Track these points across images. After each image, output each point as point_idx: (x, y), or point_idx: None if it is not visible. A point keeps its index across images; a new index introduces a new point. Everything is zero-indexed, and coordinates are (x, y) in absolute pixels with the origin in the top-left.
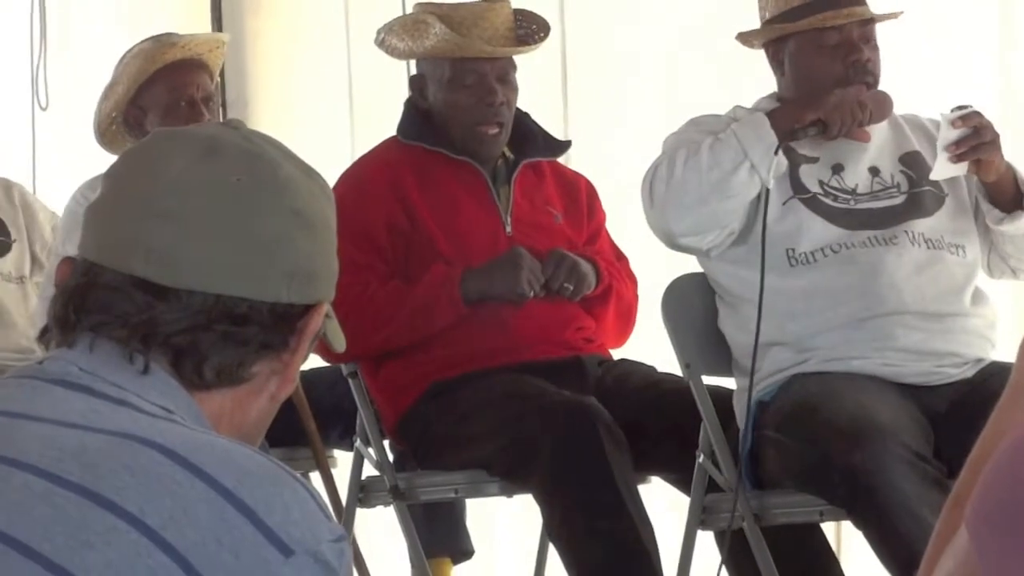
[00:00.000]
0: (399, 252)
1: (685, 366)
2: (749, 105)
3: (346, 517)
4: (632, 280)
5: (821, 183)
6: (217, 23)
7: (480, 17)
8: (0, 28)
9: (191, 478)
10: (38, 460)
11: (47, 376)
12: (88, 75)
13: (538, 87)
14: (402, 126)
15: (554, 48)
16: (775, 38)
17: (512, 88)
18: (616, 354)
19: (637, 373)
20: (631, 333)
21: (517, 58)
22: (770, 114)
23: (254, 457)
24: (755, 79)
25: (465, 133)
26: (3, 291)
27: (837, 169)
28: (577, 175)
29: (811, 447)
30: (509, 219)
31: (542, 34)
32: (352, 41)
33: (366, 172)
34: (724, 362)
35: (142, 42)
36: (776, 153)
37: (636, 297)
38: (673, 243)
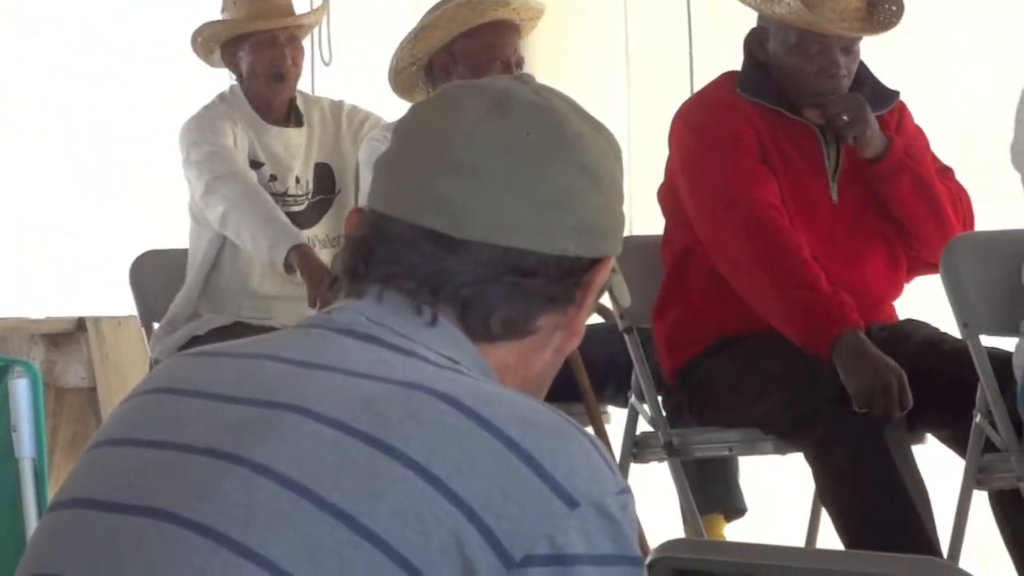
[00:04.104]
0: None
1: (963, 325)
2: None
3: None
4: (959, 188)
5: None
6: None
7: None
8: None
9: (477, 428)
10: (328, 409)
11: (336, 326)
12: (371, 31)
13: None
14: (742, 80)
15: None
16: None
17: (855, 57)
18: (902, 314)
19: (918, 333)
20: (971, 226)
21: None
22: None
23: (539, 409)
24: None
25: (803, 97)
26: None
27: None
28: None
29: None
30: (835, 187)
31: (895, 8)
32: (629, 5)
33: (719, 97)
34: (1002, 322)
35: None
36: None
37: (966, 199)
38: None
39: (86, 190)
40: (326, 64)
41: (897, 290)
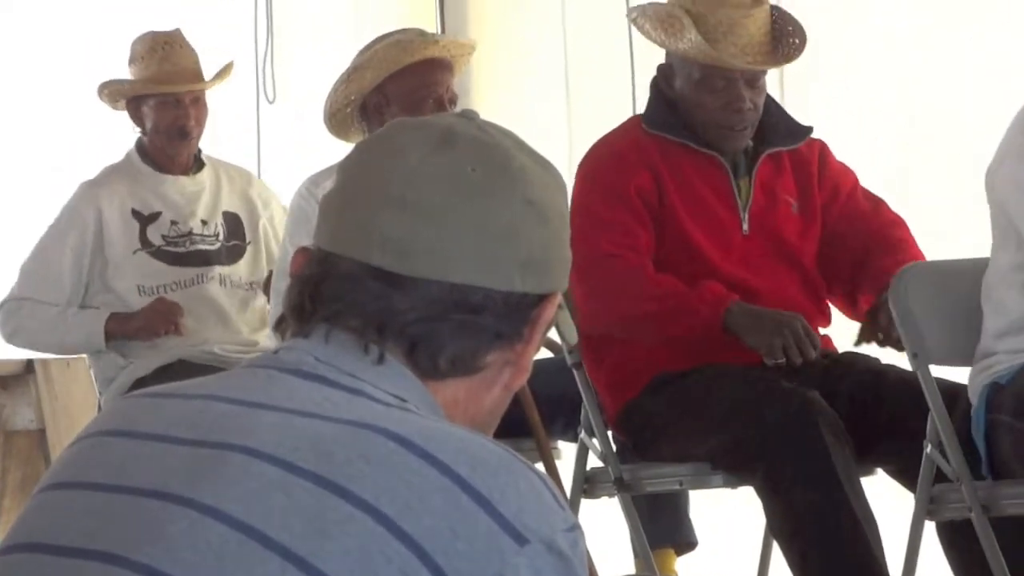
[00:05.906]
0: (649, 223)
1: (912, 355)
2: None
3: (571, 508)
4: (899, 222)
5: None
6: (441, 18)
7: (736, 24)
8: (227, 21)
9: (426, 466)
10: (274, 449)
11: (283, 366)
12: (314, 69)
13: None
14: (648, 114)
15: None
16: None
17: (760, 91)
18: (842, 349)
19: (861, 364)
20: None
21: None
22: None
23: (488, 446)
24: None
25: (709, 131)
26: (230, 297)
27: None
28: (811, 144)
29: None
30: (747, 217)
31: (797, 42)
32: (568, 35)
33: (620, 142)
34: (952, 352)
35: (398, 32)
36: None
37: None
38: None
39: (31, 227)
40: (270, 102)
41: (823, 317)
